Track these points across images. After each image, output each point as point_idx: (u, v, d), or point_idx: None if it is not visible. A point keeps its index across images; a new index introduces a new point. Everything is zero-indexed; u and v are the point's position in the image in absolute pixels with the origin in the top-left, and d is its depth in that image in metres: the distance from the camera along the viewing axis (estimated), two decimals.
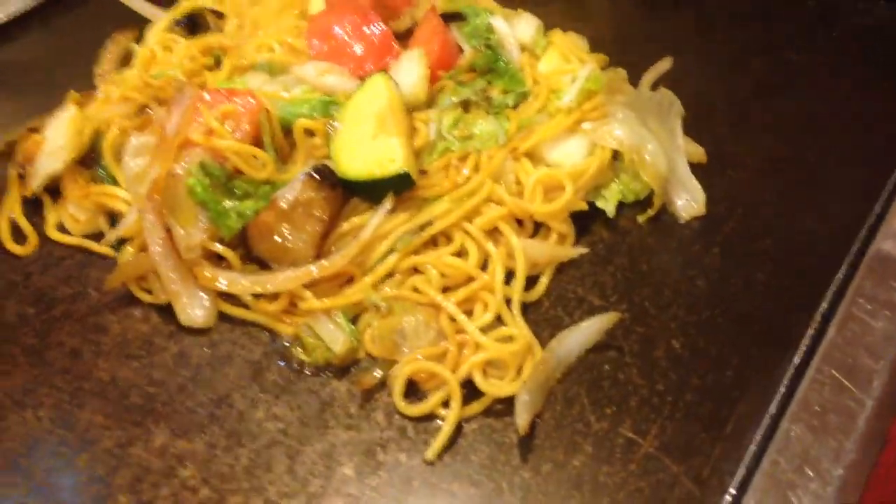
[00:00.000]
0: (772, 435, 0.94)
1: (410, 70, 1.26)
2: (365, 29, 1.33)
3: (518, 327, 1.06)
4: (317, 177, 1.10)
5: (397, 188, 1.12)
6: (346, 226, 1.12)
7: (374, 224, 1.10)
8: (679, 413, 0.99)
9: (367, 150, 1.14)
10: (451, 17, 1.39)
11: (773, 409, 0.96)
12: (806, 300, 1.07)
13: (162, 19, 1.52)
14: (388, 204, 1.11)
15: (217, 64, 1.38)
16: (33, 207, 1.26)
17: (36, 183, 1.24)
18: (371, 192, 1.13)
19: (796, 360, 1.01)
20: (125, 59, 1.50)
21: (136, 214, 1.13)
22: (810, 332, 1.03)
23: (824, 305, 1.06)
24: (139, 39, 1.52)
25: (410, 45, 1.32)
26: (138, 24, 1.56)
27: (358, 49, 1.32)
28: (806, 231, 1.18)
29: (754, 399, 0.99)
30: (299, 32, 1.40)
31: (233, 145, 1.13)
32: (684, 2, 1.61)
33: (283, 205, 1.10)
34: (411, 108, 1.23)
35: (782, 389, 0.98)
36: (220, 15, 1.52)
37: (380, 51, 1.32)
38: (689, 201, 1.22)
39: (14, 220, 1.24)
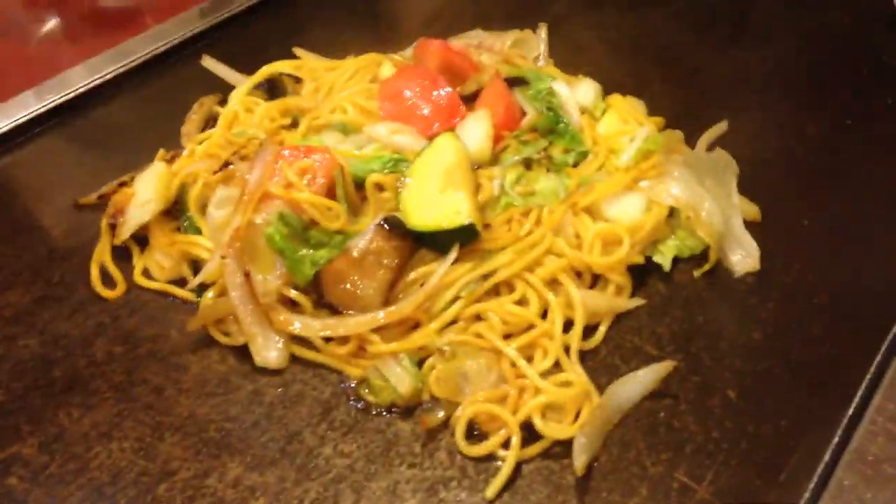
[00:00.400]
0: (825, 483, 0.96)
1: (476, 129, 1.33)
2: (433, 92, 1.41)
3: (576, 373, 1.10)
4: (387, 227, 1.17)
5: (463, 239, 1.18)
6: (413, 274, 1.18)
7: (440, 273, 1.15)
8: (734, 460, 1.01)
9: (435, 203, 1.20)
10: (514, 82, 1.45)
11: (827, 458, 0.98)
12: (860, 353, 1.09)
13: (244, 84, 1.62)
14: (453, 254, 1.17)
15: (294, 124, 1.46)
16: (122, 255, 1.34)
17: (125, 232, 1.32)
18: (438, 242, 1.18)
19: (850, 410, 1.03)
20: (210, 121, 1.60)
21: (218, 261, 1.20)
22: (864, 383, 1.05)
23: (878, 358, 1.08)
24: (223, 103, 1.63)
25: (476, 107, 1.39)
26: (222, 89, 1.67)
27: (426, 110, 1.39)
28: (860, 286, 1.20)
29: (809, 448, 1.01)
30: (371, 95, 1.48)
31: (309, 198, 1.21)
32: (741, 68, 1.66)
33: (355, 253, 1.17)
34: (476, 166, 1.30)
35: (836, 439, 1.00)
36: (297, 80, 1.61)
37: (447, 112, 1.39)
38: (744, 257, 1.26)
39: (104, 266, 1.33)
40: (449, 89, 1.40)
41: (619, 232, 1.23)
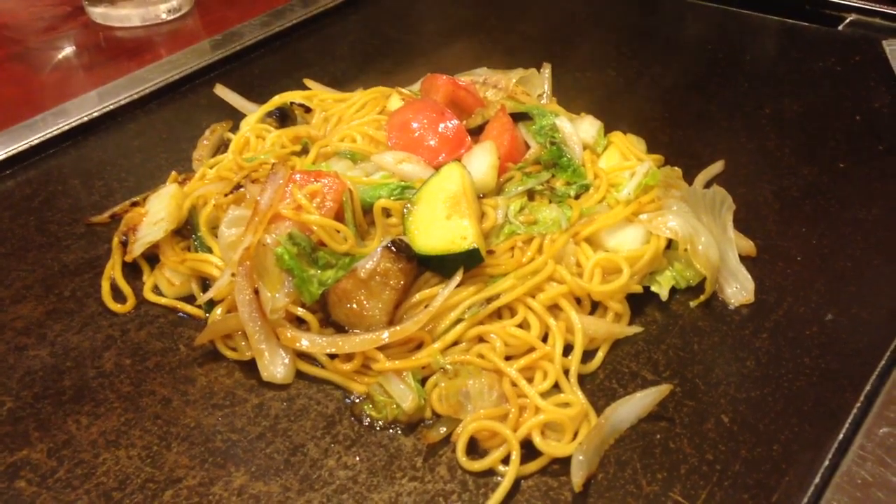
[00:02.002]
0: None
1: (482, 160, 1.37)
2: (440, 124, 1.45)
3: (574, 395, 1.13)
4: (394, 249, 1.20)
5: (467, 263, 1.22)
6: (418, 296, 1.21)
7: (444, 295, 1.19)
8: (727, 481, 1.04)
9: (441, 228, 1.24)
10: (519, 117, 1.50)
11: (817, 480, 1.01)
12: (849, 382, 1.13)
13: (255, 112, 1.67)
14: (458, 277, 1.20)
15: (304, 151, 1.51)
16: (133, 272, 1.38)
17: (137, 249, 1.36)
18: (443, 266, 1.22)
19: (840, 436, 1.06)
20: (221, 147, 1.65)
21: (228, 278, 1.23)
22: (854, 411, 1.08)
23: (867, 388, 1.11)
24: (234, 130, 1.67)
25: (482, 140, 1.43)
26: (233, 117, 1.72)
27: (433, 142, 1.44)
28: (850, 319, 1.24)
29: (800, 472, 1.03)
30: (379, 126, 1.53)
31: (318, 220, 1.24)
32: (737, 112, 1.71)
33: (362, 274, 1.20)
34: (481, 195, 1.34)
35: (826, 463, 1.03)
36: (307, 109, 1.67)
37: (453, 143, 1.43)
38: (738, 289, 1.29)
39: (115, 282, 1.36)
40: (456, 122, 1.45)
41: (618, 261, 1.26)
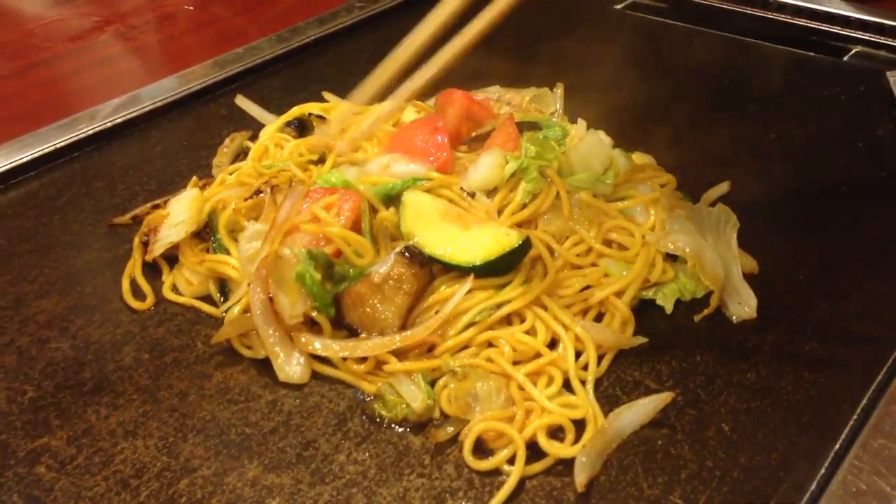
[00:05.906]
0: None
1: (487, 159, 1.40)
2: (432, 137, 1.49)
3: (581, 398, 1.16)
4: (407, 255, 1.24)
5: (522, 252, 1.26)
6: (430, 300, 1.25)
7: (455, 301, 1.22)
8: (726, 487, 1.07)
9: (471, 238, 1.27)
10: (527, 127, 1.54)
11: (813, 487, 1.04)
12: (848, 396, 1.16)
13: (274, 122, 1.72)
14: (468, 284, 1.24)
15: (321, 160, 1.55)
16: (152, 272, 1.42)
17: (157, 249, 1.40)
18: (498, 267, 1.26)
19: (837, 446, 1.09)
20: (240, 155, 1.69)
21: (246, 289, 1.27)
22: (851, 423, 1.12)
23: (864, 402, 1.14)
24: (253, 139, 1.72)
25: (486, 146, 1.46)
26: (252, 128, 1.76)
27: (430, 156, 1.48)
28: (849, 336, 1.27)
29: (797, 480, 1.06)
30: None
31: (340, 231, 1.28)
32: (743, 137, 1.75)
33: (376, 279, 1.24)
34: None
35: (823, 471, 1.06)
36: (325, 120, 1.71)
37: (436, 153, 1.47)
38: (741, 305, 1.32)
39: (135, 281, 1.40)
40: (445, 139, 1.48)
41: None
